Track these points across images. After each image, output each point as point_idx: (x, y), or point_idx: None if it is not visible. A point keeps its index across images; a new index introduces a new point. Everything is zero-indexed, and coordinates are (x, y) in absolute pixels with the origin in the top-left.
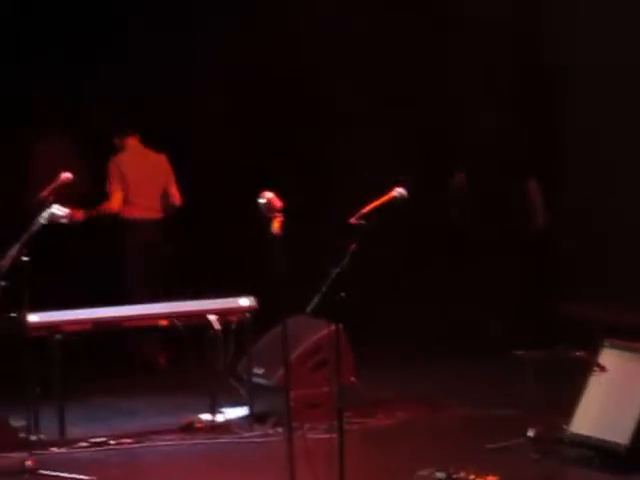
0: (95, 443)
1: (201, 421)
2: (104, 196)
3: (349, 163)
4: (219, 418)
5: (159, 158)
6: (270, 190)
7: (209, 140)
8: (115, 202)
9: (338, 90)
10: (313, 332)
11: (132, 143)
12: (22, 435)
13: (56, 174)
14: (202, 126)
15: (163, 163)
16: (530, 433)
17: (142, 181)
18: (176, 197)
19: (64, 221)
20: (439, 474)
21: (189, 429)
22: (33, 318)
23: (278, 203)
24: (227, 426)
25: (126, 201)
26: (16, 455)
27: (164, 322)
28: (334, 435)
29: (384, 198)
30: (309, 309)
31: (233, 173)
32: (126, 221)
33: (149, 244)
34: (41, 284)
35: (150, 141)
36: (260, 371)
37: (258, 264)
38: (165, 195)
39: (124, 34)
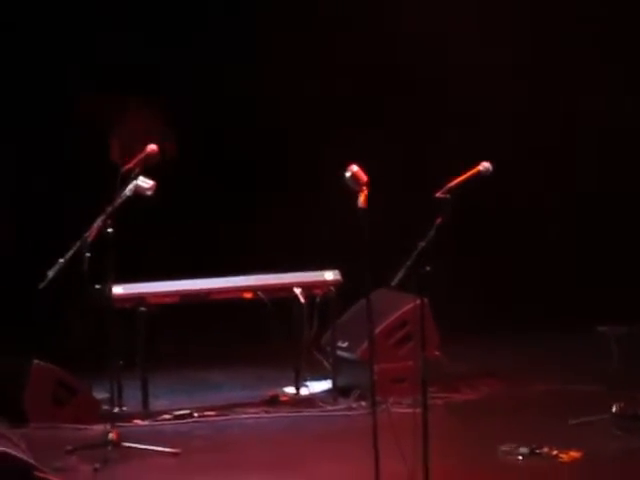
0: (178, 416)
1: (285, 394)
2: None
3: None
4: (303, 391)
5: None
6: (356, 162)
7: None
8: None
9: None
10: (398, 306)
11: None
12: (105, 407)
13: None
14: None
15: None
16: (613, 409)
17: None
18: None
19: (149, 193)
20: (522, 449)
21: (273, 402)
22: (118, 290)
23: (364, 176)
24: (311, 399)
25: None
26: (99, 427)
27: (249, 295)
28: (418, 409)
29: (470, 172)
30: (394, 283)
31: (319, 144)
32: None
33: None
34: (129, 255)
35: None
36: (344, 344)
37: (344, 237)
38: None
39: None
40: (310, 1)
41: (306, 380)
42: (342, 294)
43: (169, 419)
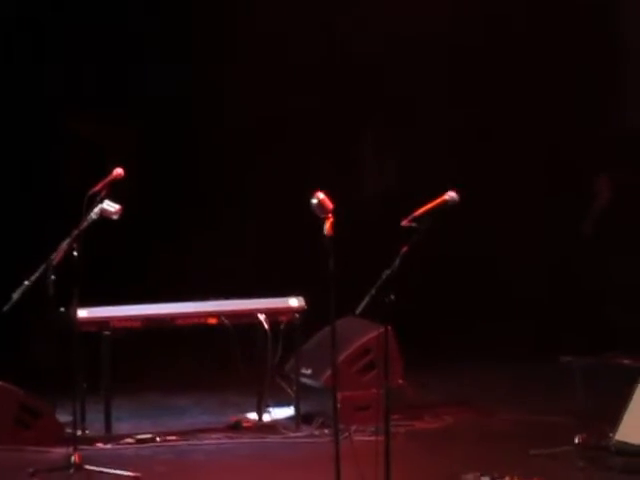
0: (141, 440)
1: (248, 420)
2: None
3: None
4: (266, 417)
5: None
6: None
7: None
8: None
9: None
10: (362, 334)
11: None
12: (68, 430)
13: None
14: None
15: None
16: (576, 440)
17: None
18: None
19: (115, 217)
20: (484, 478)
21: (236, 428)
22: (82, 313)
23: (329, 204)
24: (274, 426)
25: None
26: (62, 450)
27: (213, 320)
28: (381, 437)
29: (436, 201)
30: (358, 310)
31: (288, 174)
32: None
33: None
34: (94, 279)
35: None
36: (308, 371)
37: (308, 264)
38: None
39: None
40: None
41: (269, 406)
42: (306, 321)
43: (132, 443)
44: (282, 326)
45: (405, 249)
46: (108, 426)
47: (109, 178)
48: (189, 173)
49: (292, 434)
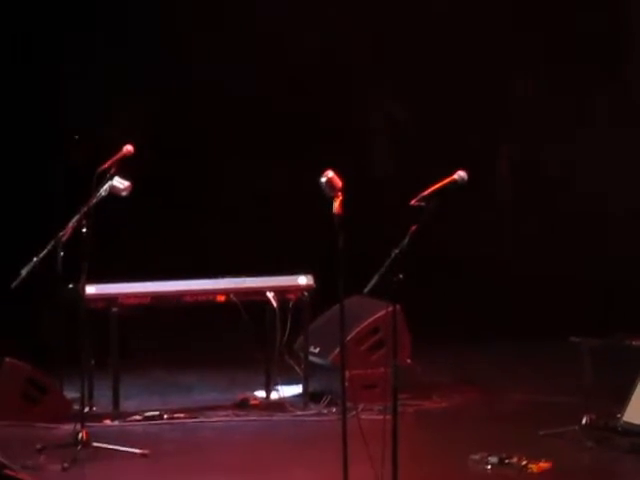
0: (149, 417)
1: (256, 398)
2: None
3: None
4: (274, 395)
5: None
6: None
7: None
8: None
9: None
10: (371, 312)
11: None
12: (76, 407)
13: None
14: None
15: None
16: (584, 421)
17: None
18: None
19: (124, 194)
20: (492, 458)
21: (243, 406)
22: (91, 290)
23: (339, 182)
24: (281, 404)
25: None
26: (69, 426)
27: (222, 298)
28: (388, 416)
29: (445, 181)
30: (367, 289)
31: (296, 151)
32: None
33: None
34: (103, 255)
35: None
36: (316, 350)
37: (318, 242)
38: None
39: None
40: None
41: (277, 384)
42: (315, 299)
43: (139, 420)
44: (291, 304)
45: (414, 228)
46: (116, 403)
47: (119, 155)
48: (200, 150)
49: (300, 412)
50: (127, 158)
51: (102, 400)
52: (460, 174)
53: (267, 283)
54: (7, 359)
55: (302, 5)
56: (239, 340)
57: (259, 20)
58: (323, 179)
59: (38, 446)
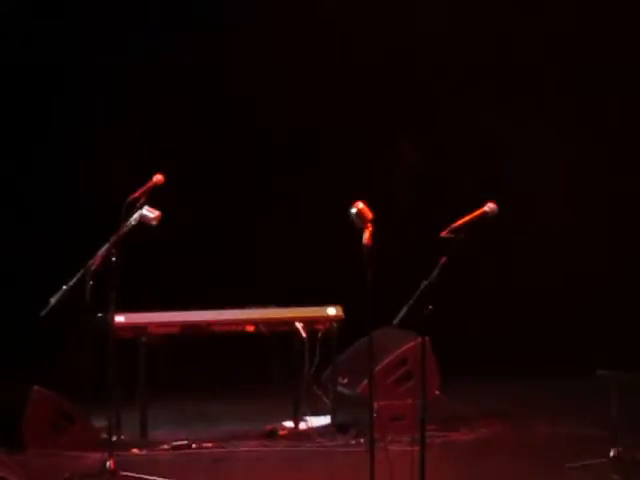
0: (177, 446)
1: (284, 428)
2: None
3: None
4: (302, 426)
5: None
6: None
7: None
8: None
9: None
10: (399, 344)
11: None
12: (104, 435)
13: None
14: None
15: None
16: (611, 454)
17: None
18: None
19: (154, 223)
20: None
21: (272, 436)
22: (120, 319)
23: (369, 213)
24: (309, 434)
25: None
26: (97, 455)
27: (251, 328)
28: (416, 448)
29: (475, 213)
30: (396, 321)
31: (327, 183)
32: None
33: None
34: (132, 285)
35: None
36: (344, 381)
37: (347, 273)
38: None
39: None
40: None
41: (305, 415)
42: (344, 330)
43: (167, 449)
44: (319, 335)
45: (443, 260)
46: (144, 432)
47: (149, 184)
48: (229, 181)
49: (328, 443)
50: (156, 187)
51: (130, 429)
52: (490, 206)
53: (296, 314)
54: (36, 387)
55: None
56: (268, 370)
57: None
58: (353, 210)
59: (66, 475)
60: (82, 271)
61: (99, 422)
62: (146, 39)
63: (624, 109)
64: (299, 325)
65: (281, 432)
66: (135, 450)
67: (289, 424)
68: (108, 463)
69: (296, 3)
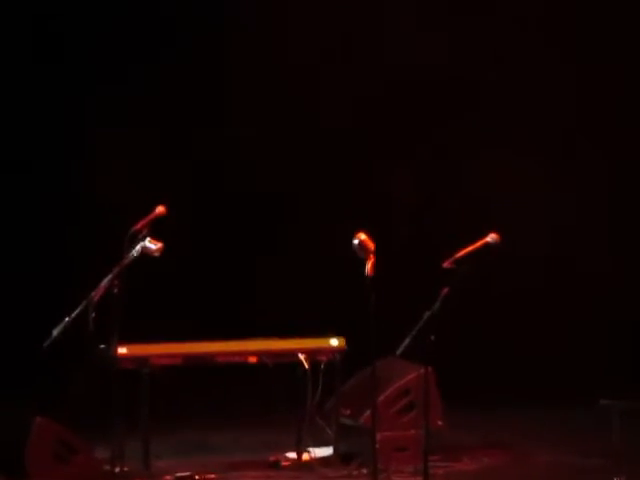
0: (180, 477)
1: (287, 459)
2: None
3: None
4: (305, 457)
5: None
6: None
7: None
8: None
9: None
10: (402, 374)
11: None
12: (107, 467)
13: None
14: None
15: None
16: None
17: None
18: None
19: (157, 254)
20: None
21: (275, 467)
22: (122, 350)
23: (371, 244)
24: (312, 465)
25: None
26: None
27: (254, 359)
28: (419, 478)
29: (478, 244)
30: (399, 351)
31: (326, 214)
32: None
33: None
34: (134, 316)
35: None
36: (347, 411)
37: (350, 304)
38: None
39: None
40: None
41: (308, 446)
42: (347, 361)
43: None
44: (322, 366)
45: (446, 291)
46: (147, 463)
47: (151, 216)
48: (229, 211)
49: (331, 474)
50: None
51: (133, 460)
52: (492, 236)
53: (299, 345)
54: (38, 418)
55: None
56: (270, 401)
57: None
58: (355, 241)
59: None
60: (85, 302)
61: (102, 453)
62: None
63: None
64: (302, 356)
65: (284, 463)
66: None
67: (292, 455)
68: None
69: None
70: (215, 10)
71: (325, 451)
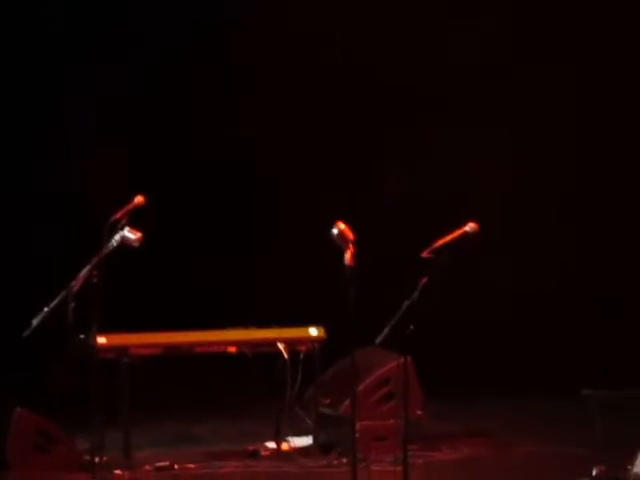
0: (159, 468)
1: (266, 449)
2: None
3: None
4: (284, 446)
5: None
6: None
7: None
8: None
9: None
10: (381, 364)
11: None
12: (87, 457)
13: None
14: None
15: None
16: (594, 472)
17: None
18: None
19: (136, 244)
20: None
21: (254, 456)
22: (101, 340)
23: (350, 234)
24: (292, 455)
25: None
26: (80, 476)
27: (233, 349)
28: (398, 468)
29: (456, 233)
30: (378, 340)
31: (309, 204)
32: None
33: None
34: (113, 306)
35: None
36: (327, 401)
37: (329, 294)
38: None
39: None
40: None
41: (287, 435)
42: (326, 351)
43: (150, 471)
44: (301, 355)
45: (424, 280)
46: (127, 453)
47: (130, 206)
48: (211, 201)
49: (310, 463)
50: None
51: (113, 450)
52: (471, 225)
53: (278, 334)
54: (18, 409)
55: None
56: (250, 391)
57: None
58: (335, 231)
59: None
60: (64, 292)
61: (82, 443)
62: None
63: None
64: (281, 346)
65: (263, 453)
66: (118, 471)
67: (271, 445)
68: None
69: None
70: (215, 10)
71: (304, 441)
